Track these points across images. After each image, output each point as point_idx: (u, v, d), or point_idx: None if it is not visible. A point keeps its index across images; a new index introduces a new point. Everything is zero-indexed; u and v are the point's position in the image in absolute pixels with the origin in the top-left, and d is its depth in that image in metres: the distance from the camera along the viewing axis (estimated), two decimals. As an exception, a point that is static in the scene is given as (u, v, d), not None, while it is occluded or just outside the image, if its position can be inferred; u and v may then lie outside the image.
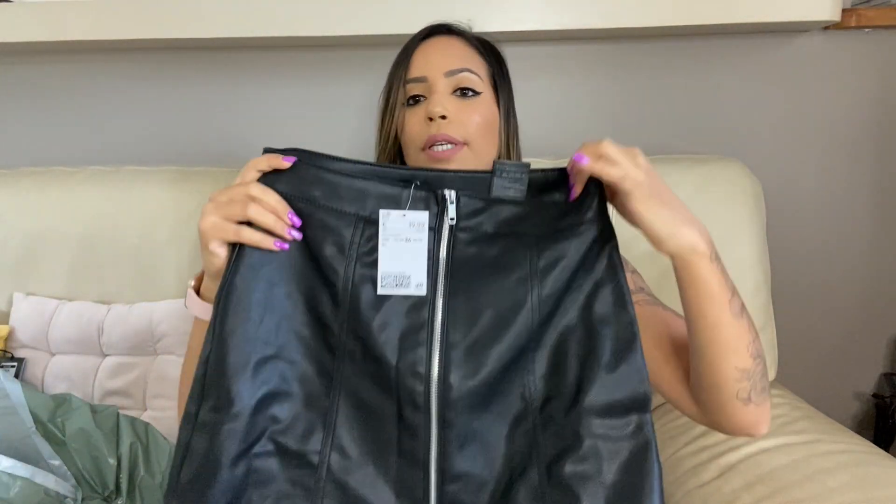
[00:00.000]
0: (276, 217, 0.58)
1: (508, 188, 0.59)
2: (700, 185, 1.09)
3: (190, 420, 0.55)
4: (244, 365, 0.55)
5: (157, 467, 1.00)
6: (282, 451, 0.57)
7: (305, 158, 0.60)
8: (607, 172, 0.56)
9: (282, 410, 0.57)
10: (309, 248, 0.58)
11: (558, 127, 1.33)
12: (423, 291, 0.58)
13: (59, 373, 1.14)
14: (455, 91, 0.79)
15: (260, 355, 0.56)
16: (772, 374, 1.09)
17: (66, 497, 0.92)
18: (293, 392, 0.57)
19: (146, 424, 1.04)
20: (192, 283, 0.67)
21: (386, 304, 0.57)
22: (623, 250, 1.10)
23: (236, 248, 0.58)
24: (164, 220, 1.18)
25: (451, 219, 0.59)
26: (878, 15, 1.21)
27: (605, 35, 1.26)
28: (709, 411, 0.65)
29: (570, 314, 0.58)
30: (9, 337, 1.16)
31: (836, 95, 1.28)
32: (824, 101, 1.29)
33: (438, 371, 0.56)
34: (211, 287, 0.63)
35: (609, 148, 0.58)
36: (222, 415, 0.54)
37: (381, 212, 0.58)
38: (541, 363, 0.58)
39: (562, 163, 1.20)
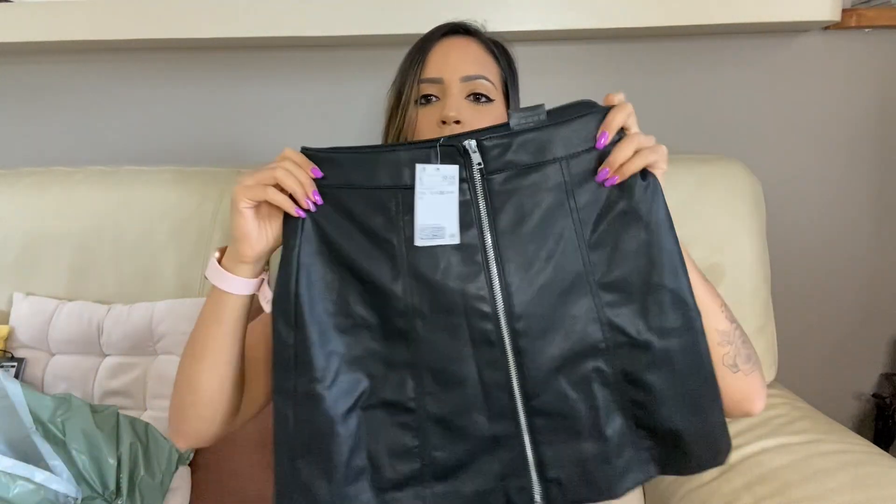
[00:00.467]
0: (299, 183, 0.61)
1: (527, 121, 0.62)
2: (700, 185, 1.09)
3: (289, 395, 0.62)
4: (329, 338, 0.63)
5: (157, 467, 1.00)
6: (383, 403, 0.63)
7: (341, 152, 0.64)
8: (649, 162, 0.62)
9: (375, 368, 0.63)
10: (361, 228, 0.63)
11: (558, 127, 1.33)
12: (456, 240, 0.62)
13: (59, 373, 1.14)
14: (469, 96, 0.78)
15: (342, 326, 0.63)
16: (772, 374, 1.09)
17: (66, 496, 0.92)
18: (379, 352, 0.64)
19: (146, 424, 1.04)
20: (217, 253, 0.68)
21: (442, 259, 0.62)
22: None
23: (300, 233, 0.63)
24: (164, 220, 1.18)
25: (479, 164, 0.62)
26: (878, 15, 1.21)
27: (605, 35, 1.26)
28: None
29: (620, 232, 0.63)
30: (9, 337, 1.16)
31: (836, 95, 1.28)
32: (824, 101, 1.29)
33: (503, 307, 0.61)
34: (234, 254, 0.65)
35: (643, 140, 0.62)
36: (324, 383, 0.62)
37: (418, 166, 0.62)
38: (598, 277, 0.63)
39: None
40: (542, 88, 1.32)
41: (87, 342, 1.14)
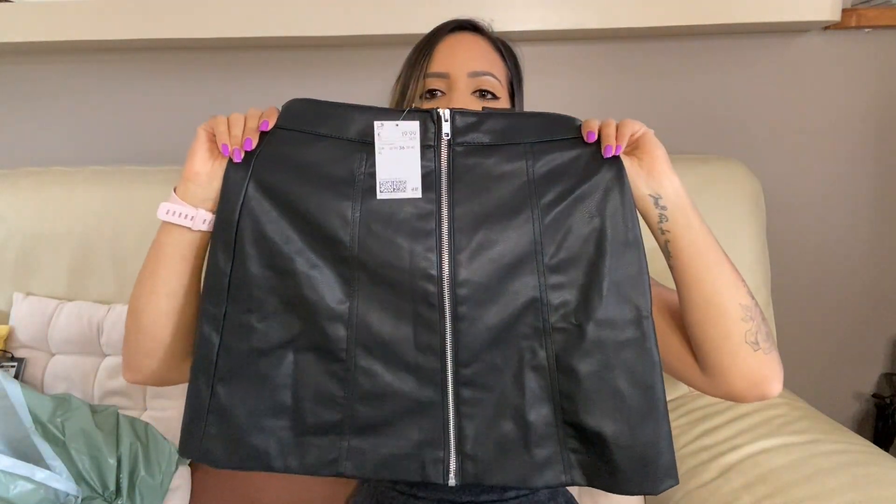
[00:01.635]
0: (241, 129, 0.65)
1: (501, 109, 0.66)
2: (700, 185, 1.09)
3: (216, 320, 0.63)
4: (269, 275, 0.63)
5: (157, 467, 1.00)
6: (315, 347, 0.63)
7: (324, 105, 0.67)
8: (633, 130, 0.65)
9: (311, 313, 0.63)
10: (319, 175, 0.64)
11: (558, 127, 1.33)
12: (418, 195, 0.63)
13: (59, 373, 1.14)
14: (475, 92, 0.78)
15: (283, 267, 0.63)
16: (772, 374, 1.09)
17: (66, 495, 0.92)
18: (319, 296, 0.63)
19: (146, 424, 1.04)
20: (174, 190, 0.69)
21: (395, 218, 0.63)
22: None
23: (251, 167, 0.64)
24: (164, 220, 1.18)
25: (447, 134, 0.64)
26: (878, 15, 1.21)
27: (605, 35, 1.26)
28: (719, 371, 0.67)
29: (575, 217, 0.63)
30: (9, 337, 1.16)
31: (836, 95, 1.28)
32: (824, 101, 1.29)
33: (448, 272, 0.62)
34: (185, 188, 0.67)
35: (623, 125, 0.65)
36: (258, 315, 0.63)
37: (375, 123, 0.63)
38: (547, 258, 0.63)
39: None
40: (543, 88, 1.32)
41: (87, 342, 1.14)
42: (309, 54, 1.34)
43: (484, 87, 0.78)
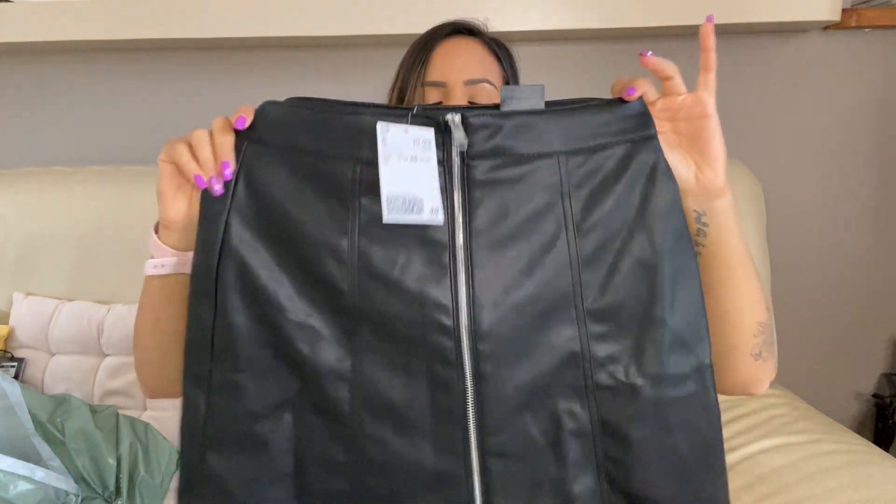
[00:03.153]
0: (211, 153, 0.56)
1: (523, 104, 0.52)
2: (700, 185, 1.09)
3: (201, 380, 0.53)
4: (258, 329, 0.53)
5: (157, 467, 1.00)
6: (315, 408, 0.53)
7: (295, 103, 0.55)
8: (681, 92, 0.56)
9: (307, 369, 0.53)
10: (305, 203, 0.52)
11: (558, 127, 1.33)
12: (439, 218, 0.50)
13: (59, 373, 1.14)
14: (471, 101, 0.77)
15: (274, 319, 0.53)
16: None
17: (66, 493, 0.92)
18: (316, 352, 0.53)
19: (146, 424, 1.04)
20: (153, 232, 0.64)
21: (401, 255, 0.51)
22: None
23: (230, 199, 0.54)
24: (164, 220, 1.18)
25: (461, 145, 0.51)
26: (878, 15, 1.21)
27: (605, 35, 1.26)
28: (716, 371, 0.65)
29: (618, 243, 0.52)
30: (9, 337, 1.16)
31: (836, 95, 1.28)
32: (824, 101, 1.29)
33: (467, 322, 0.50)
34: (167, 236, 0.62)
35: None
36: (248, 373, 0.53)
37: (379, 124, 0.50)
38: (588, 302, 0.52)
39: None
40: (542, 88, 1.32)
41: (87, 342, 1.14)
42: (309, 54, 1.34)
43: (475, 98, 0.77)
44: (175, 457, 1.03)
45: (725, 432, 0.92)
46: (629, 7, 1.18)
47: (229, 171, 0.54)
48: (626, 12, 1.18)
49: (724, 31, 1.25)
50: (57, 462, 0.94)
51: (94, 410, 1.02)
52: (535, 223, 0.51)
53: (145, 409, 1.11)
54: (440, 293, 0.50)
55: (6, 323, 1.17)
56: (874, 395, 1.38)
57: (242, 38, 1.25)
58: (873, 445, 0.86)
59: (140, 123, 1.41)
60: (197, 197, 0.56)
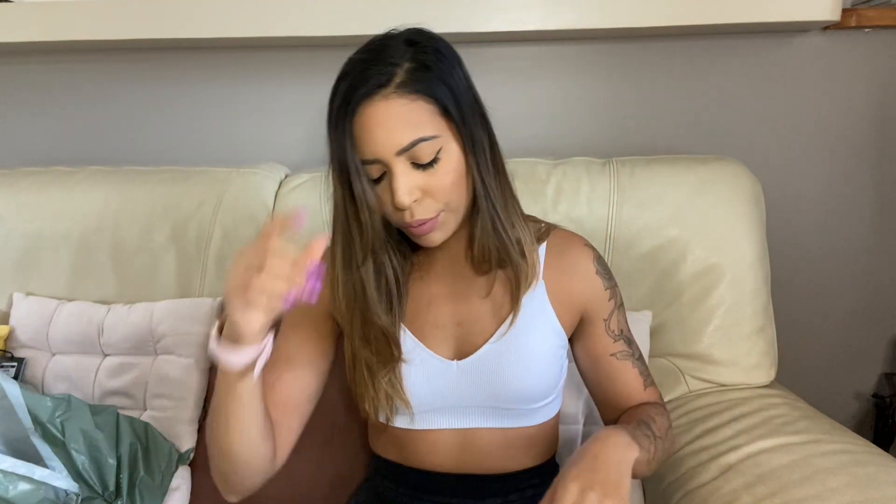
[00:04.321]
0: (289, 271, 0.57)
1: None
2: (700, 185, 1.09)
3: None
4: None
5: (157, 467, 1.00)
6: None
7: None
8: None
9: None
10: None
11: (558, 127, 1.33)
12: None
13: (59, 373, 1.14)
14: (413, 164, 0.69)
15: None
16: (772, 374, 1.09)
17: (66, 493, 0.92)
18: None
19: (146, 424, 1.04)
20: (215, 328, 0.64)
21: None
22: (623, 250, 1.10)
23: None
24: (164, 220, 1.18)
25: None
26: (878, 15, 1.21)
27: (605, 35, 1.26)
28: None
29: None
30: (9, 337, 1.16)
31: (836, 95, 1.28)
32: (824, 101, 1.29)
33: None
34: (233, 335, 0.61)
35: None
36: None
37: None
38: None
39: (561, 163, 1.20)
40: (543, 88, 1.32)
41: (87, 342, 1.14)
42: (308, 54, 1.34)
43: (419, 156, 0.68)
44: (175, 456, 1.03)
45: (725, 432, 0.92)
46: (629, 7, 1.18)
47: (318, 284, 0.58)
48: (626, 12, 1.18)
49: (724, 31, 1.25)
50: (56, 462, 0.94)
51: (94, 410, 1.02)
52: None
53: (145, 409, 1.11)
54: None
55: (6, 323, 1.17)
56: (874, 395, 1.38)
57: (242, 38, 1.25)
58: (873, 445, 0.86)
59: (140, 123, 1.41)
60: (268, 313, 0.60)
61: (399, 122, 0.67)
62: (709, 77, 1.29)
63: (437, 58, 0.70)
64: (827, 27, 1.24)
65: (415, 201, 0.69)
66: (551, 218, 1.09)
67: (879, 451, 0.84)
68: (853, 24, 1.22)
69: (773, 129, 1.31)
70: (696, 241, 1.07)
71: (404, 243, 0.79)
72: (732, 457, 0.86)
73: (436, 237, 0.73)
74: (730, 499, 0.80)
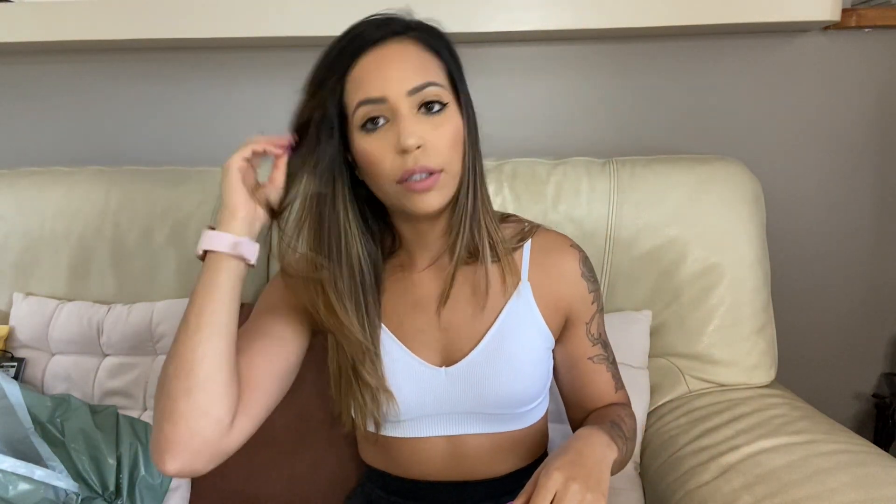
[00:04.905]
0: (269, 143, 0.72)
1: None
2: (700, 185, 1.09)
3: None
4: None
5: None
6: None
7: None
8: None
9: None
10: None
11: (558, 127, 1.33)
12: None
13: (59, 373, 1.14)
14: (420, 108, 0.68)
15: None
16: (772, 374, 1.09)
17: (66, 492, 0.92)
18: None
19: (146, 424, 1.04)
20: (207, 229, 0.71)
21: None
22: (623, 250, 1.10)
23: None
24: (164, 220, 1.18)
25: None
26: (878, 15, 1.21)
27: (605, 35, 1.26)
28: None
29: None
30: (9, 337, 1.16)
31: (836, 95, 1.28)
32: (824, 101, 1.29)
33: None
34: (224, 216, 0.70)
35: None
36: None
37: None
38: None
39: (561, 163, 1.20)
40: (543, 88, 1.32)
41: (87, 342, 1.14)
42: (308, 54, 1.34)
43: (428, 100, 0.68)
44: (175, 457, 1.03)
45: (725, 432, 0.92)
46: (629, 7, 1.18)
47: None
48: (626, 12, 1.18)
49: (724, 31, 1.25)
50: (57, 462, 0.94)
51: (94, 410, 1.02)
52: None
53: (145, 409, 1.11)
54: None
55: (6, 323, 1.17)
56: (874, 395, 1.38)
57: (242, 38, 1.25)
58: (873, 445, 0.86)
59: (140, 123, 1.41)
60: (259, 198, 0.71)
61: (413, 63, 0.69)
62: (709, 77, 1.29)
63: (444, 34, 0.74)
64: (827, 27, 1.24)
65: (418, 148, 0.67)
66: (551, 218, 1.09)
67: (879, 451, 0.84)
68: (853, 24, 1.22)
69: (773, 129, 1.31)
70: (696, 241, 1.07)
71: (387, 236, 0.80)
72: (732, 457, 0.86)
73: (434, 198, 0.69)
74: (730, 499, 0.80)
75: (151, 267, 1.17)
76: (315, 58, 1.45)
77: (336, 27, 1.21)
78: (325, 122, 0.70)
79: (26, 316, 1.16)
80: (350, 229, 0.73)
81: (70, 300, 1.18)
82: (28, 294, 1.20)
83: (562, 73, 1.32)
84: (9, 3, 1.27)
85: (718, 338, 1.06)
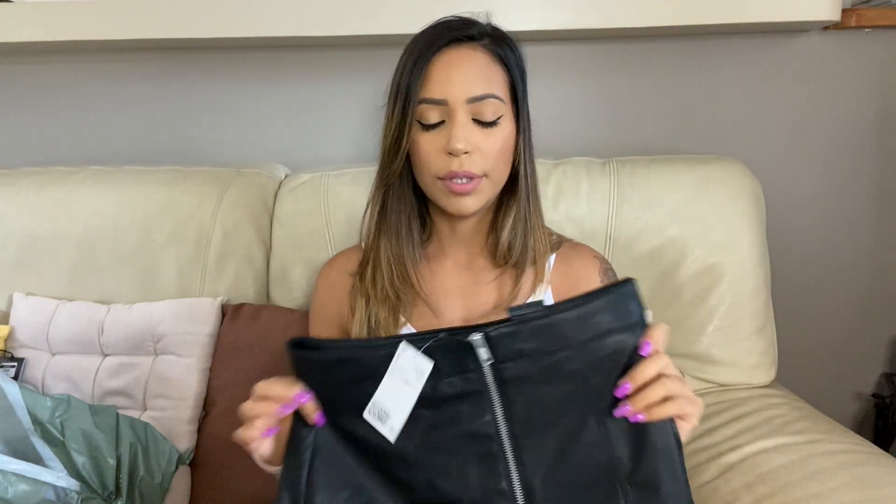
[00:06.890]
0: (281, 396, 0.59)
1: (528, 312, 0.59)
2: (700, 185, 1.09)
3: None
4: None
5: (157, 467, 1.00)
6: None
7: (334, 348, 0.60)
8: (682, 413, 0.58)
9: None
10: (366, 445, 0.60)
11: (558, 127, 1.33)
12: (392, 436, 0.59)
13: (59, 373, 1.14)
14: (475, 118, 0.73)
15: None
16: (772, 374, 1.09)
17: (66, 492, 0.92)
18: None
19: (146, 424, 1.04)
20: None
21: (454, 465, 0.58)
22: (623, 250, 1.10)
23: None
24: (164, 220, 1.18)
25: (488, 359, 0.58)
26: (878, 15, 1.21)
27: (605, 35, 1.26)
28: None
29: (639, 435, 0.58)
30: (9, 337, 1.16)
31: (836, 95, 1.28)
32: (824, 101, 1.29)
33: (524, 501, 0.57)
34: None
35: (679, 388, 0.57)
36: None
37: (402, 344, 0.58)
38: (626, 470, 0.58)
39: (561, 163, 1.20)
40: (543, 88, 1.32)
41: (87, 342, 1.14)
42: (308, 54, 1.34)
43: (485, 112, 0.73)
44: (175, 456, 1.03)
45: (725, 432, 0.92)
46: (629, 7, 1.17)
47: (306, 397, 0.59)
48: (626, 12, 1.18)
49: (724, 31, 1.25)
50: (57, 462, 0.94)
51: (94, 410, 1.02)
52: (568, 407, 0.58)
53: (145, 409, 1.11)
54: (496, 476, 0.57)
55: (6, 323, 1.17)
56: (874, 395, 1.38)
57: (242, 39, 1.25)
58: (873, 445, 0.86)
59: (140, 123, 1.41)
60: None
61: (479, 72, 0.73)
62: (709, 77, 1.29)
63: (515, 45, 0.79)
64: (827, 27, 1.24)
65: (466, 153, 0.71)
66: (551, 218, 1.09)
67: (879, 451, 0.84)
68: (853, 24, 1.22)
69: (773, 129, 1.31)
70: (696, 241, 1.07)
71: (423, 228, 0.83)
72: (732, 457, 0.86)
73: (470, 203, 0.74)
74: (730, 499, 0.80)
75: (151, 267, 1.17)
76: (315, 58, 1.45)
77: (336, 28, 1.22)
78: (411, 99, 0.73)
79: (26, 316, 1.16)
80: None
81: (70, 300, 1.18)
82: (28, 294, 1.20)
83: (562, 73, 1.32)
84: (9, 3, 1.27)
85: (718, 338, 1.06)
